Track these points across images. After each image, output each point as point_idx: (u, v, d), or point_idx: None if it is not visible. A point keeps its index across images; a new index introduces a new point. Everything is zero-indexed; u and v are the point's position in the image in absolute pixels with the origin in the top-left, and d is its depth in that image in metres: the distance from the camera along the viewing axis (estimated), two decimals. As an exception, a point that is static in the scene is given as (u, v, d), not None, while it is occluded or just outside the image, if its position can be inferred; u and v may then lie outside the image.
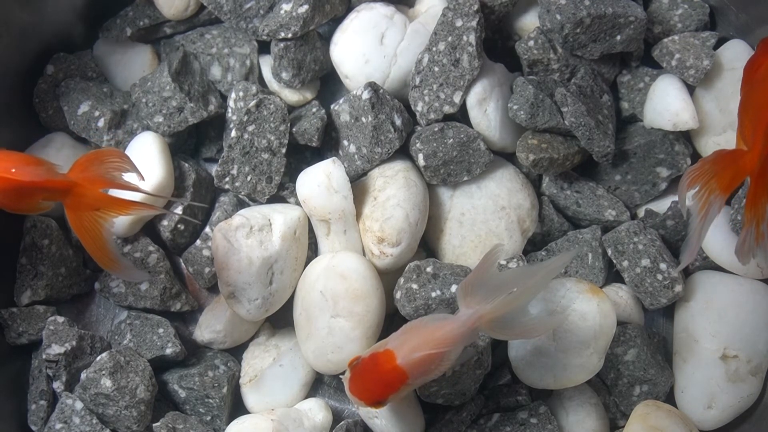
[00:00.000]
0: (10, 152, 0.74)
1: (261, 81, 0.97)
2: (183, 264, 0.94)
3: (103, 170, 0.74)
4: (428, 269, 0.87)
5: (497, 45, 0.98)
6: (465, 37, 0.88)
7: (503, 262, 0.89)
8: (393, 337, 0.75)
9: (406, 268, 0.87)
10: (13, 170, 0.72)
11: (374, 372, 0.73)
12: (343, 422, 0.87)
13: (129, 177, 0.76)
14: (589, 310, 0.86)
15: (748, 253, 0.73)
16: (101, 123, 0.93)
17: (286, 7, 0.90)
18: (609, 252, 0.91)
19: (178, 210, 0.92)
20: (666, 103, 0.91)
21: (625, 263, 0.90)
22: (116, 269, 0.79)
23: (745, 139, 0.72)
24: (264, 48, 0.97)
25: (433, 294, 0.85)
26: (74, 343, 0.87)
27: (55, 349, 0.86)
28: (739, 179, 0.71)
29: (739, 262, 0.88)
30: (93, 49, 0.99)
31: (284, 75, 0.93)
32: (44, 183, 0.72)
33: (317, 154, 0.94)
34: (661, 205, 0.94)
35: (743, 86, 0.76)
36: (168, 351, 0.89)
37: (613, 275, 0.93)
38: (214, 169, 0.92)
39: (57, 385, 0.87)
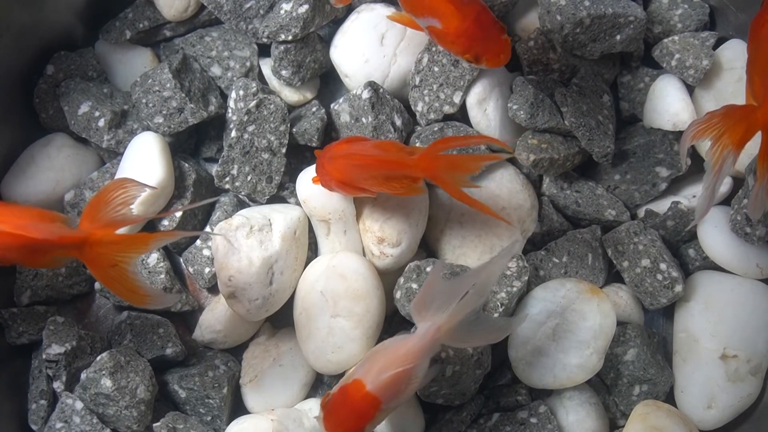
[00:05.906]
0: (23, 207, 0.74)
1: (261, 81, 0.97)
2: (183, 264, 0.94)
3: (111, 212, 0.73)
4: (428, 269, 0.87)
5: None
6: (465, 37, 0.88)
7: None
8: (357, 367, 0.75)
9: (406, 268, 0.87)
10: (26, 227, 0.70)
11: (345, 405, 0.72)
12: (343, 422, 0.87)
13: (139, 200, 0.75)
14: (589, 310, 0.86)
15: (760, 207, 0.74)
16: (101, 123, 0.93)
17: (286, 6, 0.90)
18: (609, 252, 0.91)
19: (179, 214, 0.92)
20: (666, 103, 0.92)
21: (625, 263, 0.90)
22: (150, 303, 0.77)
23: (755, 95, 0.73)
24: (264, 51, 0.96)
25: (433, 294, 0.85)
26: (74, 343, 0.87)
27: (55, 349, 0.86)
28: (752, 133, 0.72)
29: (741, 265, 0.90)
30: (95, 47, 0.99)
31: (284, 72, 0.93)
32: (58, 240, 0.71)
33: (317, 154, 0.94)
34: (661, 205, 0.93)
35: (750, 44, 0.76)
36: (168, 351, 0.89)
37: (613, 275, 0.93)
38: (214, 169, 0.92)
39: (57, 385, 0.87)
